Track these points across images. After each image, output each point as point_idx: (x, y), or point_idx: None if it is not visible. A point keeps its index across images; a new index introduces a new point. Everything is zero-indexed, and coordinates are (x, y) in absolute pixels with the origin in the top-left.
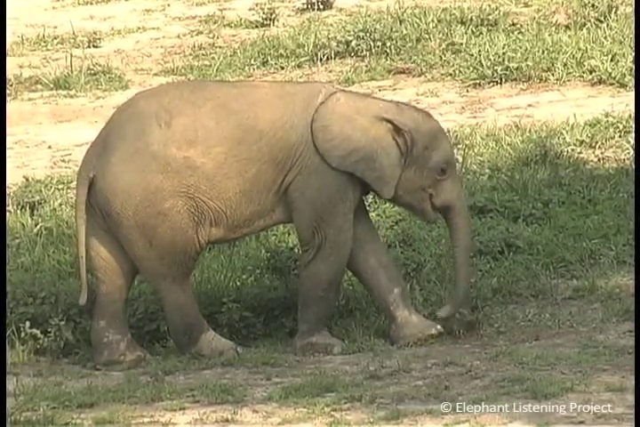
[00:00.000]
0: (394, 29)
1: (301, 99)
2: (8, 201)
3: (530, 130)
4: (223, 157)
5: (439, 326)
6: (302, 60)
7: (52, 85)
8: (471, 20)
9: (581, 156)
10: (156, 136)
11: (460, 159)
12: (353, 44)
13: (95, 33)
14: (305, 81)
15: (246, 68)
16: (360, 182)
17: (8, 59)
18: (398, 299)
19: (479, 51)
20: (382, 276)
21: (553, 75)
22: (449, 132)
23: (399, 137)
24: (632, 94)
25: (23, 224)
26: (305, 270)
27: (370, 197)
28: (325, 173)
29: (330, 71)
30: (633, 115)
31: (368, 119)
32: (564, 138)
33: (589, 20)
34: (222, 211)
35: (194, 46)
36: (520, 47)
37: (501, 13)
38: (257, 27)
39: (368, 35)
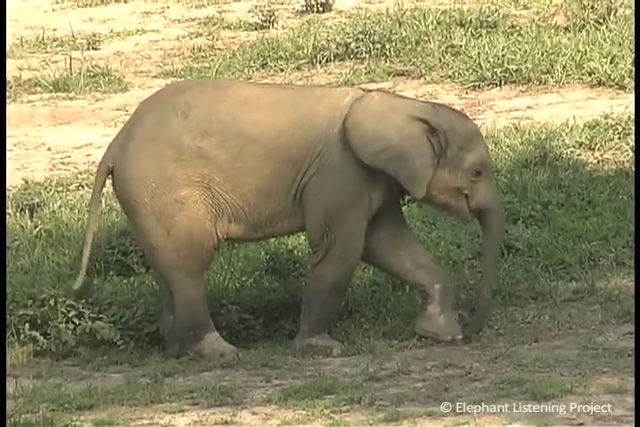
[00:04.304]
0: (393, 31)
1: (328, 101)
2: (8, 203)
3: (529, 132)
4: (236, 151)
5: (459, 337)
6: (301, 62)
7: (51, 88)
8: (470, 22)
9: (581, 158)
10: (171, 125)
11: None
12: (352, 46)
13: (94, 35)
14: (337, 86)
15: (245, 70)
16: (381, 187)
17: (7, 61)
18: (437, 295)
19: (478, 53)
20: (422, 274)
21: (552, 77)
22: None
23: (434, 137)
24: (631, 96)
25: (22, 226)
26: (312, 272)
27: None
28: (342, 176)
29: (329, 73)
30: (632, 117)
31: (403, 118)
32: (564, 140)
33: (589, 23)
34: (239, 206)
35: (193, 48)
36: (519, 49)
37: (501, 15)
38: (256, 29)
39: (367, 37)
